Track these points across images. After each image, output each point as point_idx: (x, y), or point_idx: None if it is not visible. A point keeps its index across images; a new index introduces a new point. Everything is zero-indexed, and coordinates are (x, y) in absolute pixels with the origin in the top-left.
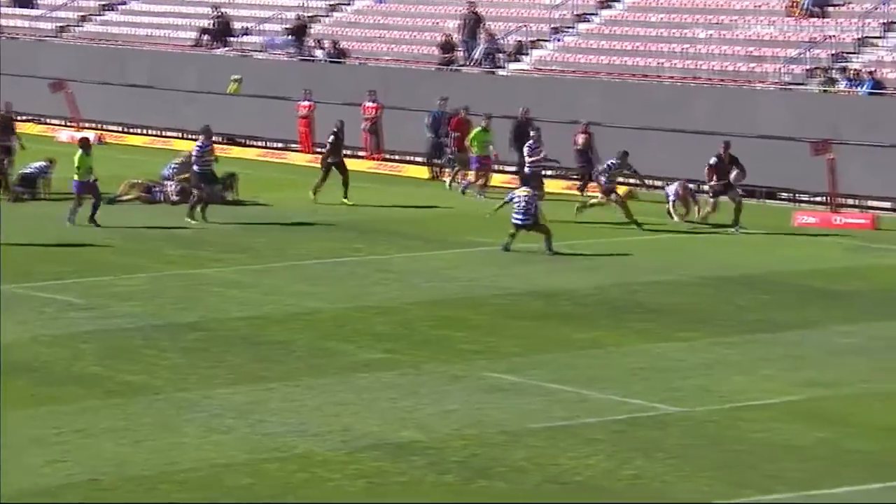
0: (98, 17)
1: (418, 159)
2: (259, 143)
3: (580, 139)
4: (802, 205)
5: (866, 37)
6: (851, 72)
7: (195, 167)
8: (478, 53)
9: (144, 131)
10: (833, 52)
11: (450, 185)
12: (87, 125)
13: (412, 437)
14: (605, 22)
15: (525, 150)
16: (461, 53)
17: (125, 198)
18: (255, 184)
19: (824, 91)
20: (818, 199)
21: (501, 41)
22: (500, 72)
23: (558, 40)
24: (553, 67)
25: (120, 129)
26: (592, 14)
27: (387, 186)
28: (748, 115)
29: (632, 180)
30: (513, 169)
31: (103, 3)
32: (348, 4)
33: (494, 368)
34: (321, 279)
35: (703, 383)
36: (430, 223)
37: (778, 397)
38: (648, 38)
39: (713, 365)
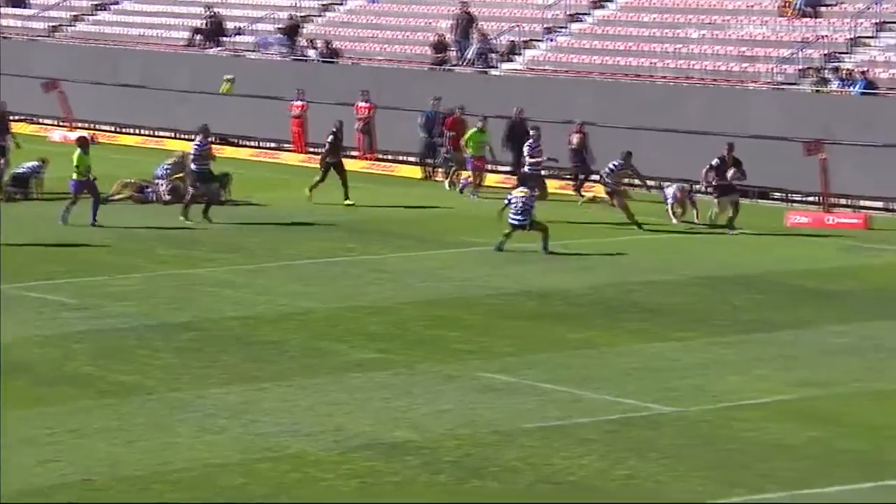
0: (90, 17)
1: (411, 159)
2: (252, 143)
3: (575, 139)
4: (795, 205)
5: (859, 37)
6: (844, 72)
7: (193, 166)
8: (471, 53)
9: (137, 131)
10: (825, 52)
11: (449, 186)
12: (79, 125)
13: (405, 437)
14: (597, 22)
15: (525, 149)
16: (454, 53)
17: (117, 197)
18: (248, 184)
19: (817, 91)
20: (811, 199)
21: (494, 41)
22: (493, 72)
23: (551, 40)
24: (546, 67)
25: (112, 128)
26: (585, 14)
27: (380, 186)
28: (741, 115)
29: (635, 181)
30: (507, 169)
31: (96, 2)
32: (341, 4)
33: (488, 368)
34: (314, 279)
35: (698, 383)
36: (423, 223)
37: (771, 397)
38: (641, 38)
39: (708, 365)
